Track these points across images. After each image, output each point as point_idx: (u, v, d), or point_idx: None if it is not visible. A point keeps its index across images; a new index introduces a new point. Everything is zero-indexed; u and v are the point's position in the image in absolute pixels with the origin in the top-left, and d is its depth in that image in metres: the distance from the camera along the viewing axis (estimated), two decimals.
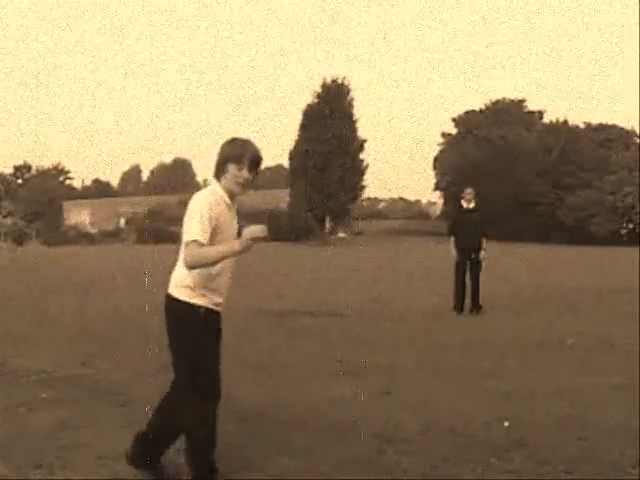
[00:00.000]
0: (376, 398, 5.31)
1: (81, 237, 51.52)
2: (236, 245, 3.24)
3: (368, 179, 59.72)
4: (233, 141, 3.43)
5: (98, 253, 30.61)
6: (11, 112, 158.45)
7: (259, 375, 6.14)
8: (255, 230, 3.21)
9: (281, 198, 52.68)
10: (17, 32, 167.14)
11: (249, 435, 4.39)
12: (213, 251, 3.27)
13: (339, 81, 51.45)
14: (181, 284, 3.40)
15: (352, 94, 51.76)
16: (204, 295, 3.38)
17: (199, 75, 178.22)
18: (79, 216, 65.42)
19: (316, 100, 50.99)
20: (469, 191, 10.67)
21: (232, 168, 3.34)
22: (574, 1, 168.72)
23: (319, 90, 51.22)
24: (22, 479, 3.69)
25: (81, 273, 18.24)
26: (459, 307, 10.26)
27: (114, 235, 52.07)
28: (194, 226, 3.24)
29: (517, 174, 50.47)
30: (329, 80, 51.39)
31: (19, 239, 52.84)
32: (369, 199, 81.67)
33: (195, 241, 3.21)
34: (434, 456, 4.03)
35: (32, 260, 25.31)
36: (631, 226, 47.37)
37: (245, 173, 3.35)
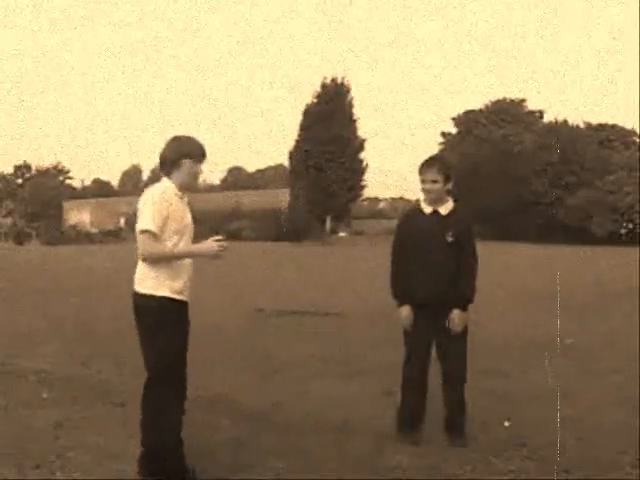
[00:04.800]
0: (376, 398, 5.31)
1: (81, 237, 51.51)
2: (194, 248, 3.52)
3: (368, 179, 59.68)
4: (182, 138, 3.65)
5: (98, 253, 30.62)
6: (11, 112, 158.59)
7: (259, 375, 6.14)
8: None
9: (281, 198, 52.67)
10: (17, 31, 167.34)
11: (249, 435, 4.39)
12: (171, 251, 3.46)
13: (339, 81, 51.50)
14: (139, 275, 3.55)
15: (352, 94, 51.86)
16: (161, 282, 3.47)
17: (199, 75, 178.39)
18: (79, 216, 65.37)
19: (316, 100, 51.02)
20: None
21: (188, 163, 3.55)
22: (574, 1, 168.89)
23: (319, 90, 51.26)
24: (22, 479, 3.70)
25: (81, 273, 18.25)
26: None
27: (114, 235, 52.07)
28: (145, 217, 3.43)
29: (517, 174, 50.46)
30: (329, 80, 51.44)
31: (19, 239, 52.84)
32: (369, 199, 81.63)
33: (147, 231, 3.41)
34: (434, 456, 4.03)
35: (32, 260, 25.32)
36: (631, 226, 47.35)
37: (199, 167, 3.60)
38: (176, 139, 3.63)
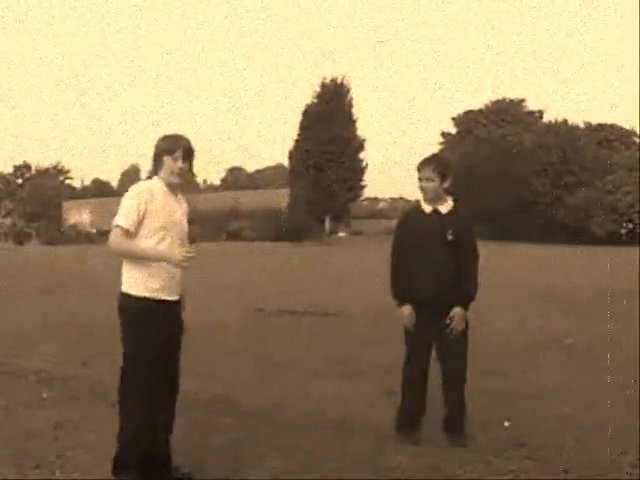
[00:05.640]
0: (376, 398, 5.31)
1: (81, 237, 51.55)
2: (160, 252, 3.46)
3: (368, 179, 59.71)
4: (166, 136, 3.63)
5: (98, 253, 30.62)
6: (11, 112, 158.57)
7: (259, 375, 6.14)
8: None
9: (281, 198, 52.66)
10: (17, 31, 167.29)
11: (249, 435, 4.39)
12: (138, 249, 3.47)
13: (338, 81, 51.47)
14: (123, 273, 3.55)
15: (352, 94, 51.83)
16: (138, 282, 3.47)
17: (199, 75, 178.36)
18: (79, 216, 65.39)
19: (316, 100, 51.00)
20: None
21: (167, 160, 3.55)
22: (574, 1, 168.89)
23: (319, 90, 51.23)
24: (22, 479, 3.70)
25: (81, 273, 18.24)
26: None
27: None
28: (120, 212, 3.48)
29: (517, 174, 50.44)
30: (329, 80, 51.41)
31: (19, 239, 52.87)
32: (369, 199, 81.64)
33: (117, 226, 3.45)
34: (434, 456, 4.03)
35: (32, 260, 25.32)
36: (631, 226, 47.35)
37: (180, 163, 3.56)
38: (162, 137, 3.63)
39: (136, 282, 3.48)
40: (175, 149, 3.54)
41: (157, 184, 3.57)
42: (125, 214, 3.43)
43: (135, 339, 3.47)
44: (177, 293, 3.61)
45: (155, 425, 3.53)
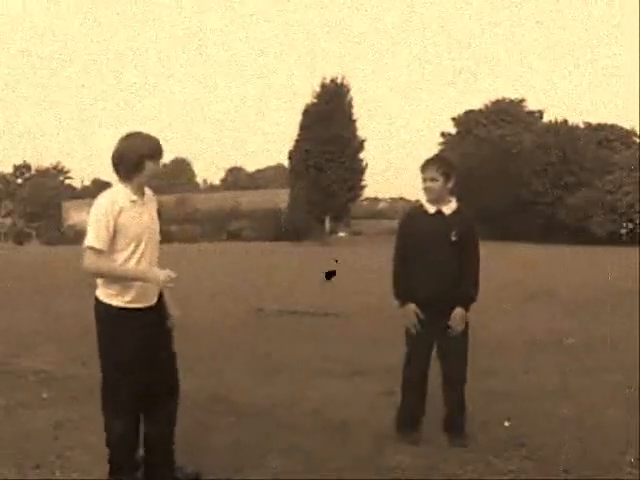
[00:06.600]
0: (376, 398, 5.31)
1: (81, 237, 51.64)
2: (140, 273, 3.33)
3: (368, 179, 59.68)
4: (141, 137, 3.38)
5: None
6: (11, 112, 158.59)
7: (259, 375, 6.14)
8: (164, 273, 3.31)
9: (281, 198, 52.68)
10: (17, 31, 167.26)
11: (249, 435, 4.39)
12: (118, 270, 3.34)
13: (339, 81, 51.48)
14: (99, 283, 3.44)
15: (351, 94, 51.84)
16: (117, 293, 3.38)
17: (199, 74, 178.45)
18: (79, 216, 65.27)
19: (316, 100, 51.00)
20: None
21: (150, 165, 3.35)
22: (574, 1, 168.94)
23: (319, 90, 51.24)
24: (22, 479, 3.70)
25: (81, 273, 18.23)
26: None
27: None
28: (90, 232, 3.29)
29: (517, 174, 50.48)
30: (329, 80, 51.42)
31: (19, 239, 52.89)
32: (369, 199, 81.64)
33: (91, 248, 3.27)
34: (434, 456, 4.03)
35: (32, 260, 25.30)
36: (631, 226, 47.39)
37: (160, 167, 3.43)
38: (134, 137, 3.37)
39: (110, 293, 3.39)
40: (155, 153, 3.36)
41: (124, 193, 3.34)
42: (96, 234, 3.26)
43: (108, 343, 3.45)
44: (154, 298, 3.47)
45: (146, 426, 3.49)
